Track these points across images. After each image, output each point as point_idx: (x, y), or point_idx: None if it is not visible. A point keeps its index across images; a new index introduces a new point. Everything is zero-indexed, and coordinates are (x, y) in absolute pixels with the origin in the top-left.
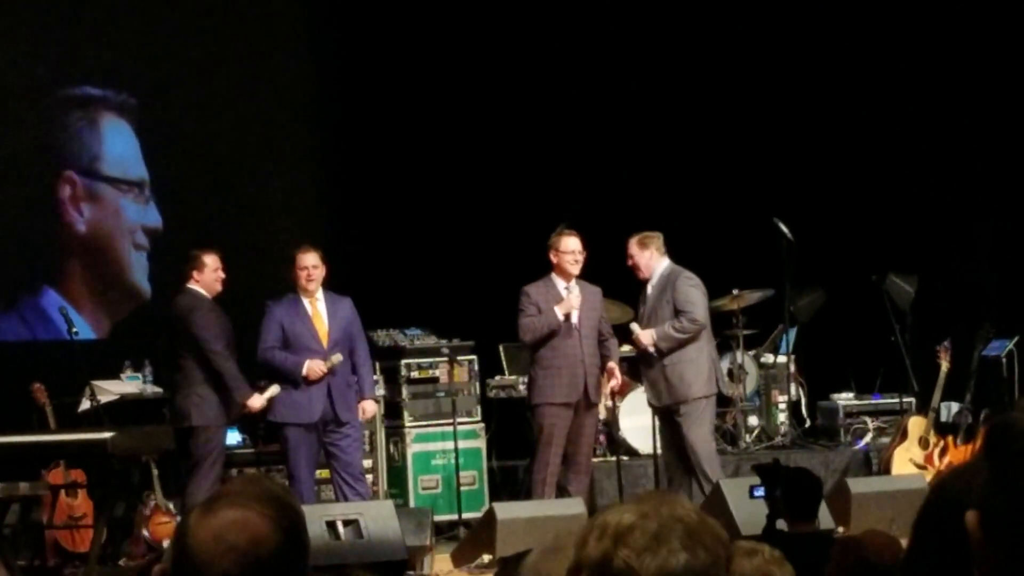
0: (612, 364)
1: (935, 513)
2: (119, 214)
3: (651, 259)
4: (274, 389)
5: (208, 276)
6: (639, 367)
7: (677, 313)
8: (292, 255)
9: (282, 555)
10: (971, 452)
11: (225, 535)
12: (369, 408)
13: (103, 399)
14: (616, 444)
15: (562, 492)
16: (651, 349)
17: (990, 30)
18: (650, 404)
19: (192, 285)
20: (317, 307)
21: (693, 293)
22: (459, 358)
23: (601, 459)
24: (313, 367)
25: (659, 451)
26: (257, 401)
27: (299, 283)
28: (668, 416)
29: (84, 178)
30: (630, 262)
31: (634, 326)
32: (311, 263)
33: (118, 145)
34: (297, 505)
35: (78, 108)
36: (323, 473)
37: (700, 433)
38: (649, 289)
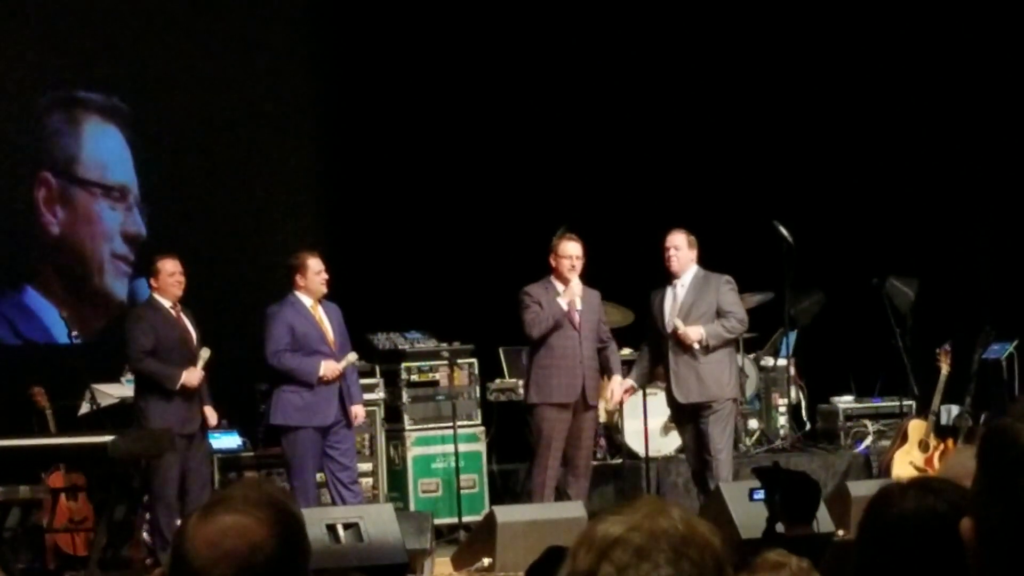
0: (617, 377)
1: (878, 525)
2: (95, 219)
3: (691, 260)
4: (204, 353)
5: (164, 281)
6: (663, 362)
7: (720, 314)
8: (300, 260)
9: (280, 561)
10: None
11: (221, 541)
12: (360, 413)
13: (103, 402)
14: (617, 447)
15: (561, 495)
16: (697, 345)
17: (990, 32)
18: (673, 402)
19: (153, 293)
20: (319, 311)
21: (736, 296)
22: (459, 361)
23: (601, 462)
24: (331, 367)
25: (651, 454)
26: (194, 376)
27: (313, 286)
28: (693, 415)
29: (60, 179)
30: (672, 254)
31: (678, 321)
32: (323, 266)
33: (100, 149)
34: (296, 509)
35: (61, 110)
36: (323, 476)
37: (725, 435)
38: (678, 288)
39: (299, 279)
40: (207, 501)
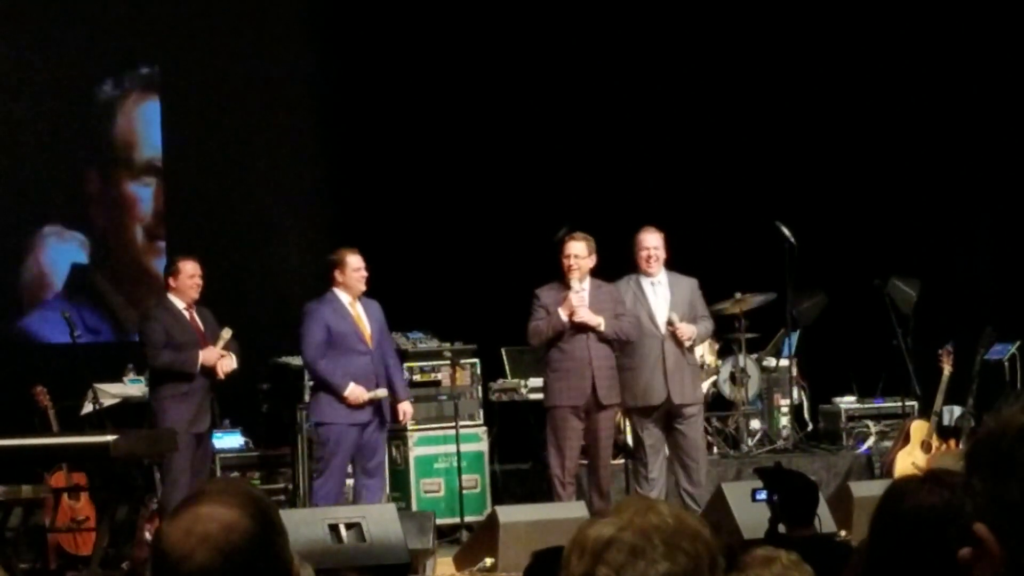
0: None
1: (892, 519)
2: (136, 203)
3: (664, 258)
4: (226, 332)
5: (184, 283)
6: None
7: (696, 318)
8: (339, 257)
9: (257, 540)
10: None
11: (194, 528)
12: (408, 410)
13: (105, 402)
14: (619, 447)
15: (585, 500)
16: (687, 343)
17: (990, 32)
18: (653, 403)
19: (168, 292)
20: (357, 308)
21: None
22: (461, 361)
23: None
24: (357, 393)
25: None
26: (212, 354)
27: (351, 283)
28: (667, 417)
29: (104, 167)
30: (652, 254)
31: (674, 316)
32: (363, 263)
33: (138, 125)
34: (264, 496)
35: (107, 90)
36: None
37: (703, 440)
38: (656, 286)
39: (338, 275)
40: (176, 504)
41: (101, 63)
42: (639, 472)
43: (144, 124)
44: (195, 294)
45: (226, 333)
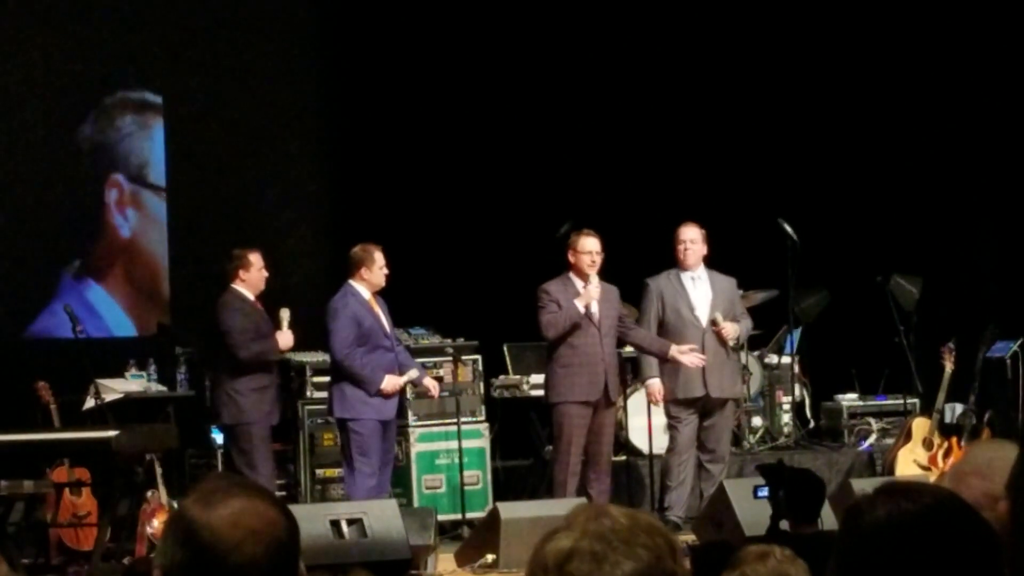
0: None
1: (854, 537)
2: (159, 221)
3: (703, 254)
4: (284, 313)
5: (254, 275)
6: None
7: (736, 317)
8: (366, 252)
9: (292, 536)
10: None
11: (240, 521)
12: (434, 383)
13: (107, 397)
14: (621, 444)
15: (586, 496)
16: (732, 342)
17: (993, 31)
18: (693, 395)
19: (236, 284)
20: (375, 303)
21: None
22: (463, 357)
23: None
24: (393, 382)
25: (654, 451)
26: (286, 337)
27: (377, 279)
28: (704, 411)
29: (130, 183)
30: (689, 247)
31: (718, 315)
32: (384, 260)
33: (161, 150)
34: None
35: (133, 111)
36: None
37: (730, 432)
38: (696, 281)
39: (364, 271)
40: (193, 495)
41: (103, 86)
42: (672, 462)
43: (149, 148)
44: (263, 285)
45: (285, 314)
